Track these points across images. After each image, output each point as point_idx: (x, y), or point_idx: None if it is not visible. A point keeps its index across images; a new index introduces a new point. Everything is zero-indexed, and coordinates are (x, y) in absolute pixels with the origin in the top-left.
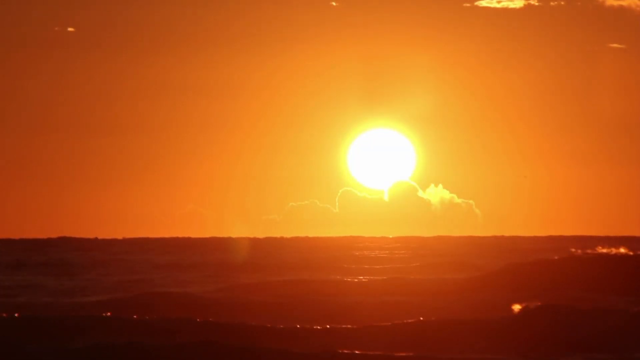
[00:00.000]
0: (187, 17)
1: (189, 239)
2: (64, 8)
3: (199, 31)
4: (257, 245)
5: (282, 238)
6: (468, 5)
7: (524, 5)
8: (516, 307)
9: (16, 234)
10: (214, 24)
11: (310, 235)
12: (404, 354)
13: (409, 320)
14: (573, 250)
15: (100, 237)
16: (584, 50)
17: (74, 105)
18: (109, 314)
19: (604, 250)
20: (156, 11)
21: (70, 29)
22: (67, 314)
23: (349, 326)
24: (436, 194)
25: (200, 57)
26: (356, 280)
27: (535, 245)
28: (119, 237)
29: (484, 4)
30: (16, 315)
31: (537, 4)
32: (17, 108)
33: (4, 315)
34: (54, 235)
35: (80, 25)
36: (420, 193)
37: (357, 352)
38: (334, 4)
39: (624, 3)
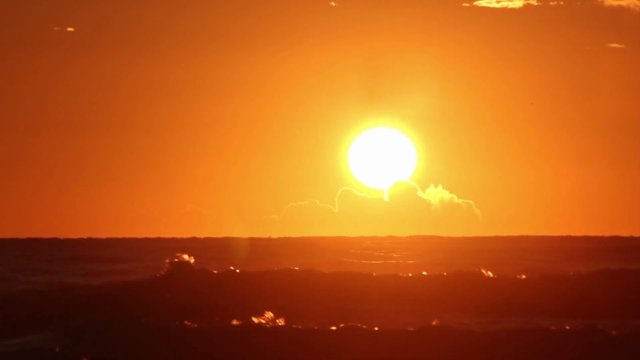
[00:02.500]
0: (187, 17)
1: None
2: (63, 8)
3: (199, 31)
4: (255, 245)
5: (281, 238)
6: (467, 5)
7: (523, 5)
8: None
9: (12, 234)
10: (214, 23)
11: (311, 235)
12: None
13: None
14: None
15: (99, 237)
16: (583, 50)
17: (73, 105)
18: None
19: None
20: (156, 11)
21: (69, 29)
22: None
23: None
24: (436, 194)
25: (199, 56)
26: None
27: (535, 245)
28: (118, 236)
29: (483, 3)
30: None
31: (536, 3)
32: (16, 108)
33: None
34: (52, 235)
35: (80, 25)
36: (420, 193)
37: None
38: (333, 4)
39: (623, 3)
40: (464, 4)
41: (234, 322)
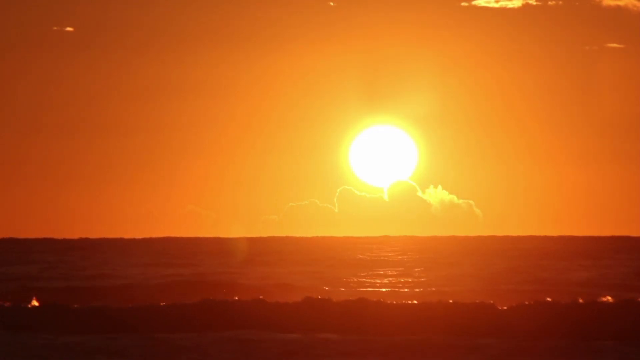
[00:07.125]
0: (186, 16)
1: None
2: (62, 8)
3: (198, 30)
4: (253, 244)
5: (281, 238)
6: (466, 4)
7: (522, 4)
8: None
9: (12, 234)
10: (212, 23)
11: (311, 235)
12: None
13: None
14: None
15: (99, 237)
16: (582, 50)
17: (72, 105)
18: None
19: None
20: (155, 11)
21: (68, 29)
22: None
23: None
24: (436, 195)
25: (199, 56)
26: None
27: (535, 245)
28: (119, 237)
29: (481, 3)
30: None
31: (535, 3)
32: (15, 108)
33: None
34: (51, 235)
35: (79, 25)
36: (420, 193)
37: None
38: (331, 4)
39: (620, 3)
40: (462, 4)
41: None
